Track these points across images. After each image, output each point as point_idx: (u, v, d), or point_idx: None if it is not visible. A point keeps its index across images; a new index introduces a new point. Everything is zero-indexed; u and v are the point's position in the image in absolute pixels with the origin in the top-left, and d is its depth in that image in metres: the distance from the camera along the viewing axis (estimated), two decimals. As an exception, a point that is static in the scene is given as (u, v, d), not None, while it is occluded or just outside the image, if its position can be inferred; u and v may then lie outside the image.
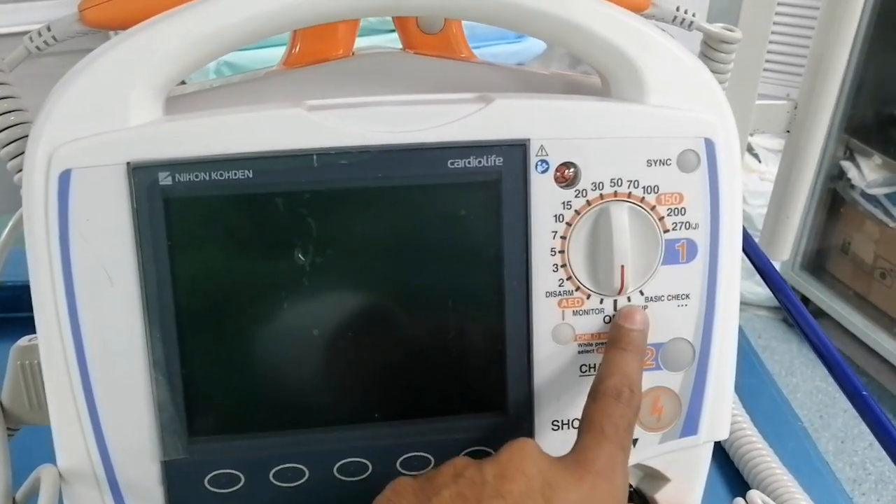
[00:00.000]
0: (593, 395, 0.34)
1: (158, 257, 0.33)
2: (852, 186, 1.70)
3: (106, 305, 0.33)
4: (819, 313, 1.78)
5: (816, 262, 1.82)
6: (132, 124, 0.32)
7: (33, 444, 0.37)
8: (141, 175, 0.32)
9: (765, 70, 0.64)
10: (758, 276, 0.60)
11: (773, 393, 0.61)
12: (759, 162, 1.88)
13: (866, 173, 1.65)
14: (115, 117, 0.32)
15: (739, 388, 0.39)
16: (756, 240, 0.65)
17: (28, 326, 0.35)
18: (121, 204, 0.32)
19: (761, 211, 1.63)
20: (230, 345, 0.35)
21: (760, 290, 1.77)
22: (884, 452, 0.45)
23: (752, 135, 0.67)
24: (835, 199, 1.76)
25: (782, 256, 0.66)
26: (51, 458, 0.35)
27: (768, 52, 0.63)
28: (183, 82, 0.44)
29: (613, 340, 0.36)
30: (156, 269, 0.33)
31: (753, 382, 0.61)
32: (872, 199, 1.66)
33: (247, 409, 0.35)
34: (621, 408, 0.33)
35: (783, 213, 0.64)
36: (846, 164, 1.70)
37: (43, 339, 0.34)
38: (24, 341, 0.38)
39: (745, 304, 1.83)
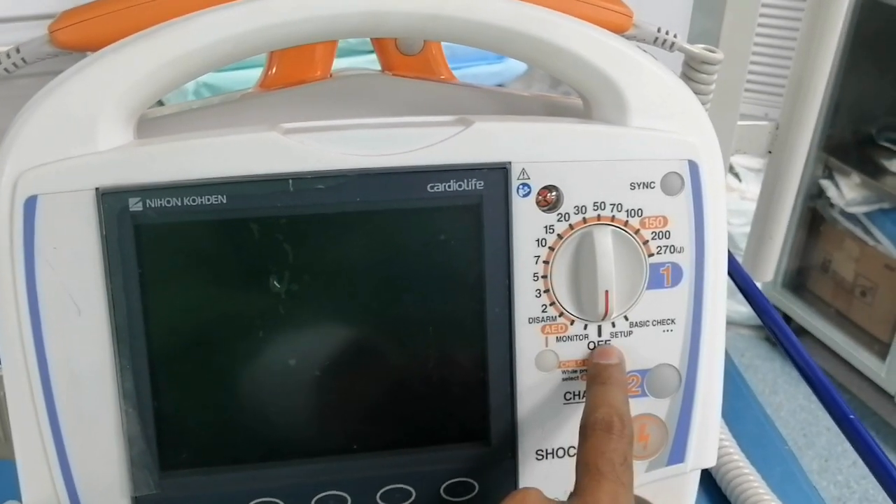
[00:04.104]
0: (583, 433, 0.33)
1: (128, 286, 0.32)
2: (832, 205, 1.71)
3: (73, 336, 0.32)
4: (800, 331, 1.78)
5: (797, 281, 1.83)
6: (101, 148, 0.31)
7: (-1, 479, 0.36)
8: (110, 201, 0.31)
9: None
10: (740, 295, 0.59)
11: (759, 415, 0.60)
12: (739, 181, 1.89)
13: (845, 192, 1.66)
14: (84, 141, 0.31)
15: (724, 411, 0.38)
16: (738, 259, 0.65)
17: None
18: (89, 231, 0.31)
19: (742, 230, 1.63)
20: (203, 375, 0.33)
21: (743, 309, 1.76)
22: (868, 470, 0.45)
23: (732, 154, 0.67)
24: (815, 218, 1.77)
25: (766, 277, 0.66)
26: (16, 494, 0.34)
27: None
28: (161, 103, 0.43)
29: (592, 377, 0.35)
30: (126, 297, 0.32)
31: (739, 405, 0.60)
32: (852, 218, 1.67)
33: (221, 442, 0.34)
34: (613, 440, 0.32)
35: (766, 233, 0.64)
36: (825, 183, 1.71)
37: (7, 371, 0.33)
38: (-12, 372, 0.37)
39: (727, 322, 1.82)
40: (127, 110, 0.32)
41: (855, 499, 1.48)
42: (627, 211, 0.35)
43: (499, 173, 0.33)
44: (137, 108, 0.33)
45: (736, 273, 0.60)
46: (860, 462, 0.44)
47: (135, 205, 0.32)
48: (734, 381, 0.63)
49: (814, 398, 0.49)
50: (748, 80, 0.62)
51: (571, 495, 0.31)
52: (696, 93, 0.40)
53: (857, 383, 1.68)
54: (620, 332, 0.36)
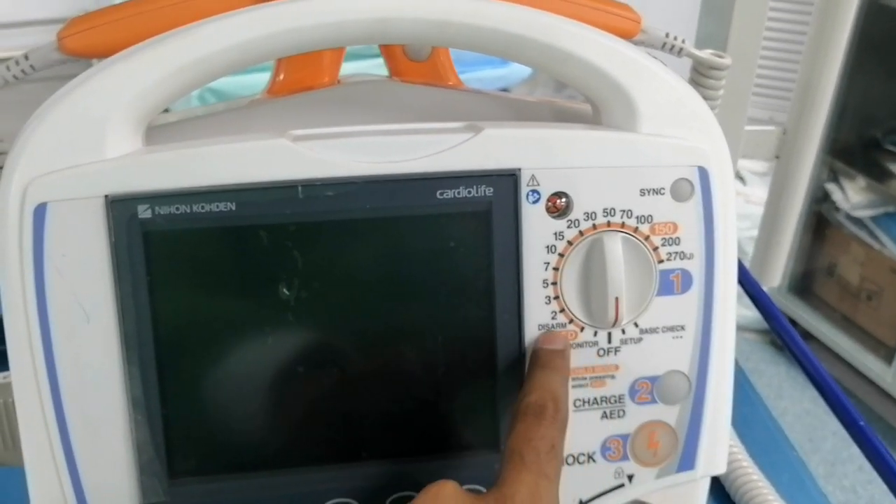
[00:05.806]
0: (514, 418, 0.31)
1: (137, 293, 0.32)
2: (837, 209, 1.71)
3: (82, 343, 0.32)
4: (806, 336, 1.78)
5: (803, 285, 1.82)
6: (110, 156, 0.31)
7: (7, 486, 0.36)
8: (119, 208, 0.31)
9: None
10: (745, 299, 0.59)
11: (767, 421, 0.60)
12: (744, 184, 1.89)
13: (851, 196, 1.66)
14: (93, 149, 0.31)
15: (732, 417, 0.38)
16: (744, 264, 0.65)
17: (5, 362, 0.33)
18: (98, 238, 0.31)
19: (747, 234, 1.62)
20: (212, 383, 0.33)
21: (748, 313, 1.76)
22: (874, 475, 0.45)
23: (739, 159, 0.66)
24: (820, 222, 1.76)
25: (773, 282, 0.66)
26: (25, 501, 0.33)
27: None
28: (166, 110, 0.43)
29: (534, 361, 0.34)
30: (135, 305, 0.32)
31: (746, 410, 0.60)
32: (857, 222, 1.67)
33: (230, 449, 0.34)
34: (544, 427, 0.31)
35: (774, 238, 0.63)
36: (831, 187, 1.70)
37: (17, 377, 0.32)
38: (-2, 378, 0.37)
39: (732, 326, 1.82)
40: (136, 118, 0.32)
41: (861, 504, 1.48)
42: (637, 217, 0.34)
43: (508, 180, 0.33)
44: (146, 116, 0.32)
45: (743, 278, 0.60)
46: (866, 467, 0.44)
47: (144, 212, 0.31)
48: (742, 387, 0.62)
49: (819, 402, 0.48)
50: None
51: (494, 485, 0.30)
52: (705, 98, 0.40)
53: (863, 388, 1.68)
54: (630, 338, 0.35)
